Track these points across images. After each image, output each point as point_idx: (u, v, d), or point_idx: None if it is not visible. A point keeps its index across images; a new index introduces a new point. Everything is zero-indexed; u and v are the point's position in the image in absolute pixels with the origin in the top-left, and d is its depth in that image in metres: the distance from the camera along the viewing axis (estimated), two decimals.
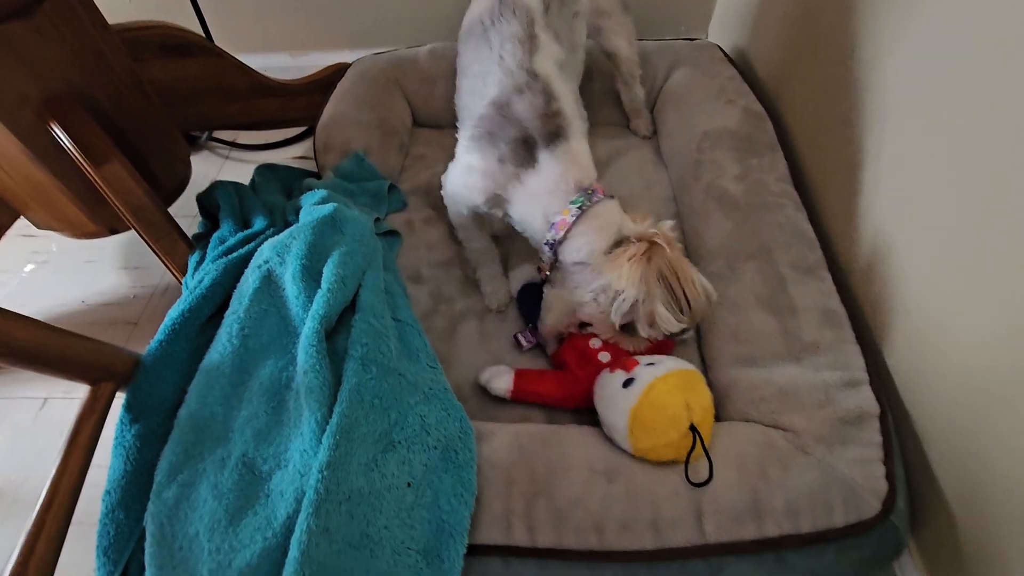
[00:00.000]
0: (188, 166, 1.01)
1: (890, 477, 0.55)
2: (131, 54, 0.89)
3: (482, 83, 0.71)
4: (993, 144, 0.50)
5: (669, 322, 0.59)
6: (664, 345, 0.69)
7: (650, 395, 0.55)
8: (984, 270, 0.50)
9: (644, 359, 0.61)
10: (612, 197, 0.67)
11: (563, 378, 0.68)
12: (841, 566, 0.54)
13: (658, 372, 0.57)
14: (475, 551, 0.53)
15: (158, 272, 1.05)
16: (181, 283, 0.82)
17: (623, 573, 0.53)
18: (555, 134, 0.66)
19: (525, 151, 0.66)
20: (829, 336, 0.64)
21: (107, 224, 0.92)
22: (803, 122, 0.88)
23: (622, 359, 0.63)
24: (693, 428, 0.54)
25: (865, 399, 0.60)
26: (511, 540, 0.54)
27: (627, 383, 0.58)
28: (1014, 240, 0.47)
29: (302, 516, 0.44)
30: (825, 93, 0.80)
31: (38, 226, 0.93)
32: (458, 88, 0.81)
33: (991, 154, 0.50)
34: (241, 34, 1.30)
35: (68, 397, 0.90)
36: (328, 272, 0.61)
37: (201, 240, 0.85)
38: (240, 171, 1.23)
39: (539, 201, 0.67)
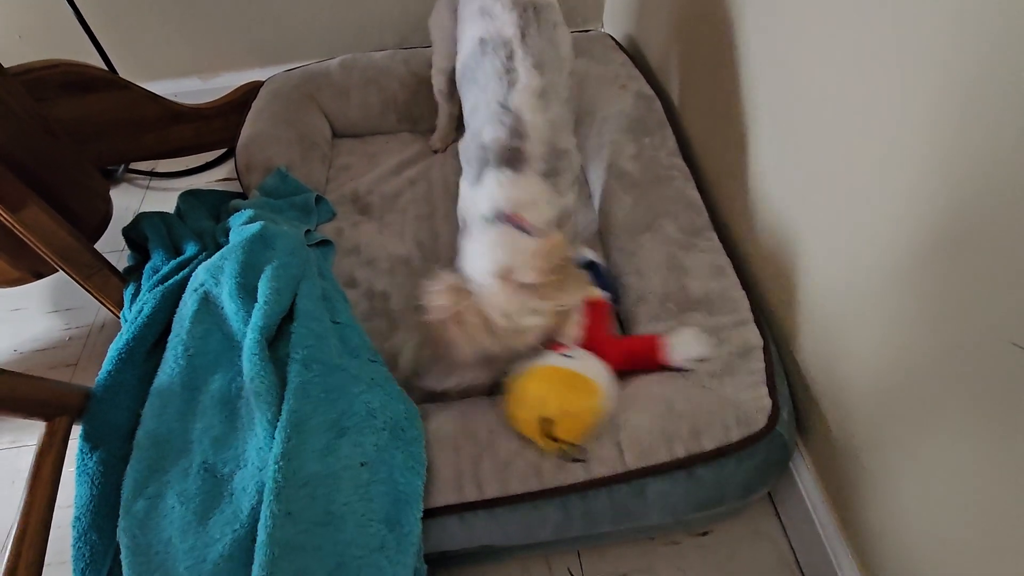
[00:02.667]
0: (108, 201, 1.01)
1: (773, 395, 0.65)
2: (33, 96, 0.88)
3: (475, 121, 0.74)
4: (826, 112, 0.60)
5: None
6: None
7: (521, 376, 0.63)
8: (828, 207, 0.61)
9: (569, 350, 0.65)
10: (522, 230, 0.66)
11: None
12: (742, 473, 0.64)
13: (546, 361, 0.63)
14: (434, 513, 0.60)
15: (91, 310, 1.04)
16: (119, 317, 0.83)
17: (561, 505, 0.61)
18: (507, 161, 0.68)
19: (481, 170, 0.70)
20: (718, 286, 0.75)
21: (31, 269, 0.92)
22: (687, 99, 0.98)
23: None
24: (548, 421, 0.59)
25: (751, 335, 0.70)
26: (463, 498, 0.61)
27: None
28: (839, 190, 0.58)
29: (265, 504, 0.50)
30: (704, 72, 0.90)
31: None
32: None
33: (822, 119, 0.61)
34: (146, 62, 1.28)
35: (14, 446, 0.89)
36: (263, 286, 0.65)
37: (133, 273, 0.87)
38: (162, 200, 1.23)
39: (468, 213, 0.71)
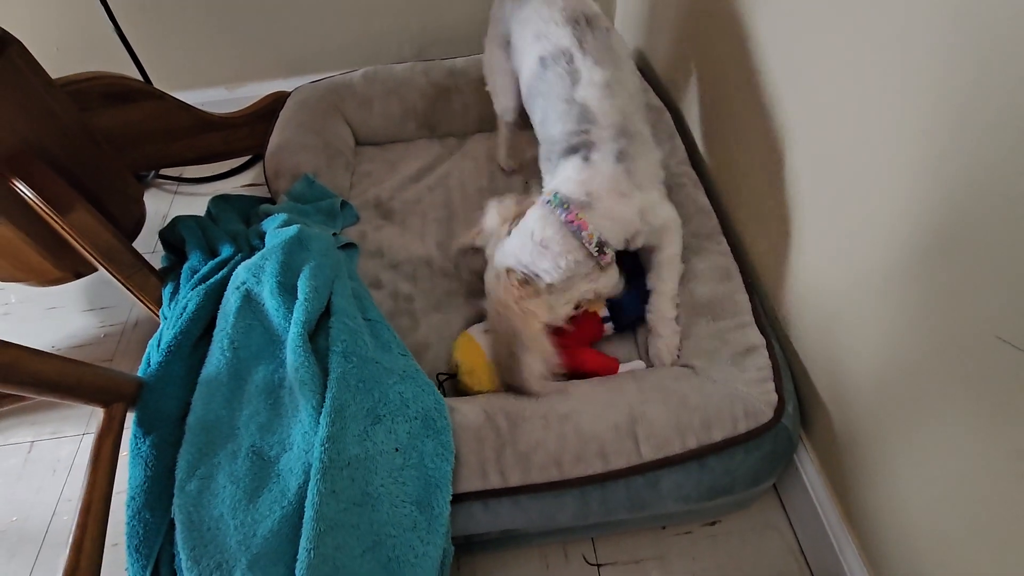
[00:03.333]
0: (143, 205, 1.06)
1: (779, 390, 0.70)
2: (77, 105, 0.93)
3: (546, 128, 0.77)
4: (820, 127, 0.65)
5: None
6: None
7: (460, 338, 0.81)
8: (828, 210, 0.65)
9: None
10: (580, 230, 0.68)
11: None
12: (749, 463, 0.68)
13: (476, 335, 0.79)
14: (460, 498, 0.64)
15: (125, 309, 1.09)
16: (158, 315, 0.88)
17: (580, 495, 0.65)
18: (575, 148, 0.71)
19: (557, 162, 0.74)
20: (723, 289, 0.79)
21: (72, 269, 0.97)
22: (695, 110, 1.02)
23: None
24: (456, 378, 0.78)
25: (753, 335, 0.74)
26: (487, 485, 0.65)
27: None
28: (839, 194, 0.63)
29: (312, 482, 0.54)
30: (710, 83, 0.95)
31: (0, 280, 0.96)
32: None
33: (824, 134, 0.65)
34: (176, 73, 1.34)
35: (55, 437, 0.94)
36: (302, 285, 0.70)
37: (168, 273, 0.92)
38: (190, 204, 1.28)
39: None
